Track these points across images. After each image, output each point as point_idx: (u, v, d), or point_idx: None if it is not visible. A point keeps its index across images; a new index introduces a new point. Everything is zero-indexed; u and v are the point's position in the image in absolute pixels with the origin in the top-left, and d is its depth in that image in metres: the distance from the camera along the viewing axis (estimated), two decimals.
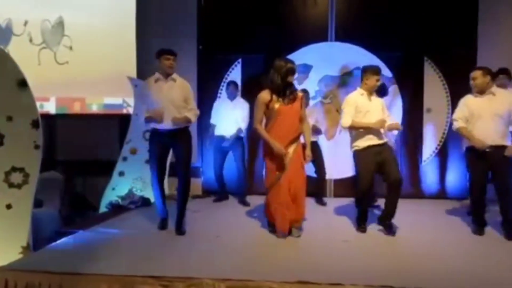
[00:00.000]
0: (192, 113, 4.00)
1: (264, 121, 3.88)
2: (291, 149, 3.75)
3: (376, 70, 4.08)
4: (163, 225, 4.21)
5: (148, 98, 3.98)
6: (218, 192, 5.85)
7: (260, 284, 2.71)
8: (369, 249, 3.55)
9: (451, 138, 5.79)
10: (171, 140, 4.00)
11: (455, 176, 5.84)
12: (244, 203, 5.50)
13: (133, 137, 5.99)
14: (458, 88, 5.72)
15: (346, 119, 4.01)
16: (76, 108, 6.58)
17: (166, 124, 3.89)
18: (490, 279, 2.85)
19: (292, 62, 3.79)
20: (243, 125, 5.50)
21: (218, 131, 5.57)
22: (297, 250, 3.50)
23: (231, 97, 5.59)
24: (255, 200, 5.67)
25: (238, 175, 5.74)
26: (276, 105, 3.72)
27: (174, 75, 4.06)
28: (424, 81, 5.80)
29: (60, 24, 6.51)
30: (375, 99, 4.13)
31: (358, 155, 4.04)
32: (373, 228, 4.12)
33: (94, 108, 6.56)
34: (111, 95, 6.49)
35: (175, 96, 3.96)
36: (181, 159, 4.02)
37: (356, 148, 4.05)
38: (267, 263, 3.18)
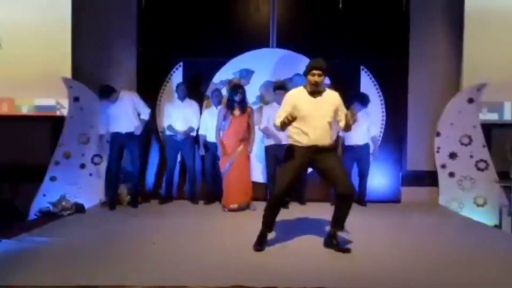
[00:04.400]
0: (144, 114, 5.45)
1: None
2: (240, 147, 5.20)
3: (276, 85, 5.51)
4: (112, 205, 5.32)
5: (108, 112, 5.32)
6: (165, 193, 5.83)
7: None
8: (305, 251, 3.59)
9: (384, 143, 6.05)
10: (127, 140, 5.32)
11: (388, 180, 6.11)
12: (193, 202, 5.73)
13: (67, 140, 5.75)
14: (391, 95, 6.08)
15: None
16: (4, 109, 6.18)
17: (124, 129, 5.30)
18: (428, 278, 2.99)
19: (239, 85, 5.37)
20: (195, 124, 5.68)
21: (170, 131, 5.67)
22: (234, 254, 3.46)
23: (181, 97, 5.70)
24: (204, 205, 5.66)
25: (188, 175, 5.80)
26: (230, 116, 5.20)
27: (121, 93, 5.37)
28: (360, 88, 6.02)
29: None
30: None
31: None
32: (311, 231, 4.19)
33: (24, 110, 6.19)
34: (43, 96, 6.16)
35: (127, 107, 5.33)
36: (134, 156, 5.40)
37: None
38: (203, 268, 3.12)
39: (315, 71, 3.50)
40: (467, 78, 6.08)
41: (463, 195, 5.82)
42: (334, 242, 3.61)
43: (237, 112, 5.21)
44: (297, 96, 3.61)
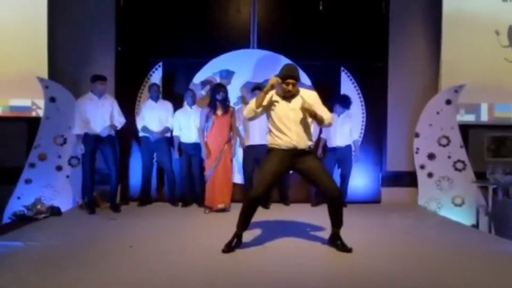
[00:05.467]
0: (118, 122, 5.31)
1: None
2: (224, 147, 5.16)
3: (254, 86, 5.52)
4: (91, 209, 5.16)
5: (83, 113, 5.12)
6: (142, 195, 5.74)
7: None
8: (285, 253, 3.56)
9: (365, 144, 6.09)
10: (100, 143, 5.16)
11: (368, 181, 6.15)
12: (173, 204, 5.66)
13: (42, 141, 5.62)
14: (371, 96, 6.13)
15: None
16: None
17: (98, 131, 5.12)
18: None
19: (221, 85, 5.29)
20: (170, 125, 5.62)
21: (145, 132, 5.60)
22: (213, 257, 3.41)
23: (155, 98, 5.62)
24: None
25: (167, 177, 5.75)
26: (213, 116, 5.14)
27: (106, 94, 5.26)
28: (340, 89, 6.05)
29: None
30: None
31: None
32: (291, 233, 4.17)
33: None
34: (18, 96, 5.99)
35: (105, 111, 5.19)
36: (109, 159, 5.23)
37: None
38: (181, 272, 3.07)
39: (289, 80, 3.49)
40: (445, 80, 6.17)
41: (441, 195, 5.90)
42: (338, 242, 3.63)
43: (219, 111, 5.16)
44: (273, 97, 3.61)
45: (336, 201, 3.60)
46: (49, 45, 5.87)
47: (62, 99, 5.68)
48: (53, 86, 5.70)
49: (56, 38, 5.90)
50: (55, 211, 5.02)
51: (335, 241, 3.66)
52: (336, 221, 3.65)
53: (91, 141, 5.15)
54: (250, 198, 3.58)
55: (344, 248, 3.59)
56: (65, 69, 5.90)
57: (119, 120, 5.31)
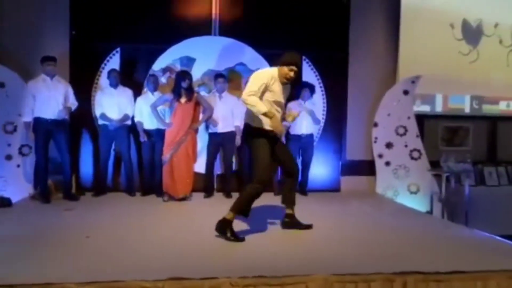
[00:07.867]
0: (72, 105, 5.17)
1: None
2: (187, 135, 5.09)
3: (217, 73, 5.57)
4: (45, 198, 4.99)
5: (35, 96, 4.98)
6: (98, 185, 5.57)
7: (129, 284, 2.52)
8: (246, 240, 3.53)
9: (325, 133, 6.16)
10: (53, 128, 4.98)
11: (328, 169, 6.22)
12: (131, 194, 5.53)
13: None
14: (332, 85, 6.19)
15: None
16: None
17: (51, 115, 4.96)
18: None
19: (186, 72, 5.20)
20: (130, 112, 5.46)
21: (103, 120, 5.42)
22: (172, 246, 3.35)
23: (114, 85, 5.45)
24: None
25: (124, 166, 5.60)
26: (176, 103, 5.07)
27: (57, 77, 5.10)
28: (302, 78, 6.05)
29: None
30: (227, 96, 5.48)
31: None
32: (251, 221, 4.16)
33: None
34: None
35: (58, 94, 5.03)
36: (62, 146, 5.07)
37: None
38: (139, 262, 2.99)
39: (293, 67, 3.50)
40: (402, 71, 6.31)
41: (398, 183, 6.07)
42: (295, 221, 3.80)
43: (183, 99, 5.08)
44: (274, 78, 3.55)
45: (295, 178, 3.89)
46: None
47: (11, 84, 5.36)
48: (2, 71, 5.37)
49: (5, 19, 5.55)
50: (5, 202, 4.78)
51: (293, 220, 3.83)
52: (293, 198, 3.86)
53: (44, 126, 4.97)
54: (263, 182, 3.50)
55: (304, 225, 3.79)
56: (15, 53, 5.57)
57: (74, 104, 5.20)
